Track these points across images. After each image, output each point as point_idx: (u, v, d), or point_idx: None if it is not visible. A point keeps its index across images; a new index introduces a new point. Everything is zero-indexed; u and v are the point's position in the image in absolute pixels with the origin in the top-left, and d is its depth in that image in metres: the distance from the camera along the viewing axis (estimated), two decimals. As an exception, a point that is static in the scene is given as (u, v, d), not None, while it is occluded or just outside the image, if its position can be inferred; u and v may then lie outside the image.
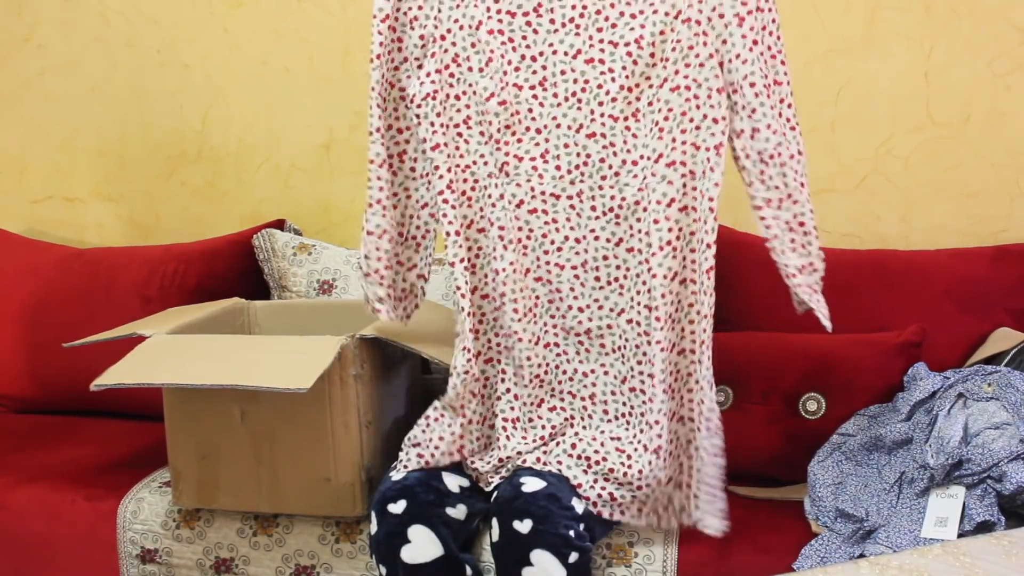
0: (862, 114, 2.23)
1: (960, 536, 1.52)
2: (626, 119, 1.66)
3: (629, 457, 1.69)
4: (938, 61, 2.18)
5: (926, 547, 1.37)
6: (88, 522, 1.95)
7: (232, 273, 2.40)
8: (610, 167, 1.68)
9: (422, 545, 1.64)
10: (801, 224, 1.66)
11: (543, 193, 1.71)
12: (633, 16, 1.63)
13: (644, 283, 1.67)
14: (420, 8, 1.69)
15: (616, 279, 1.71)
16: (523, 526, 1.60)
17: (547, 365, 1.76)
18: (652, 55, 1.63)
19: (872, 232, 2.27)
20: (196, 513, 1.91)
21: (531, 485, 1.64)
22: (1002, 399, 1.66)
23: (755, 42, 1.60)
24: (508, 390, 1.75)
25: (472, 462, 1.75)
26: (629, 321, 1.70)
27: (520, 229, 1.72)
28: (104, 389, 1.64)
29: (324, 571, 1.84)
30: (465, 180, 1.73)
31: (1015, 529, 1.45)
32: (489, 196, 1.72)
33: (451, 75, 1.70)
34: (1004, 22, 2.14)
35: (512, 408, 1.75)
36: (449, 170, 1.70)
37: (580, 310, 1.73)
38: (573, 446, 1.72)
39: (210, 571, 1.89)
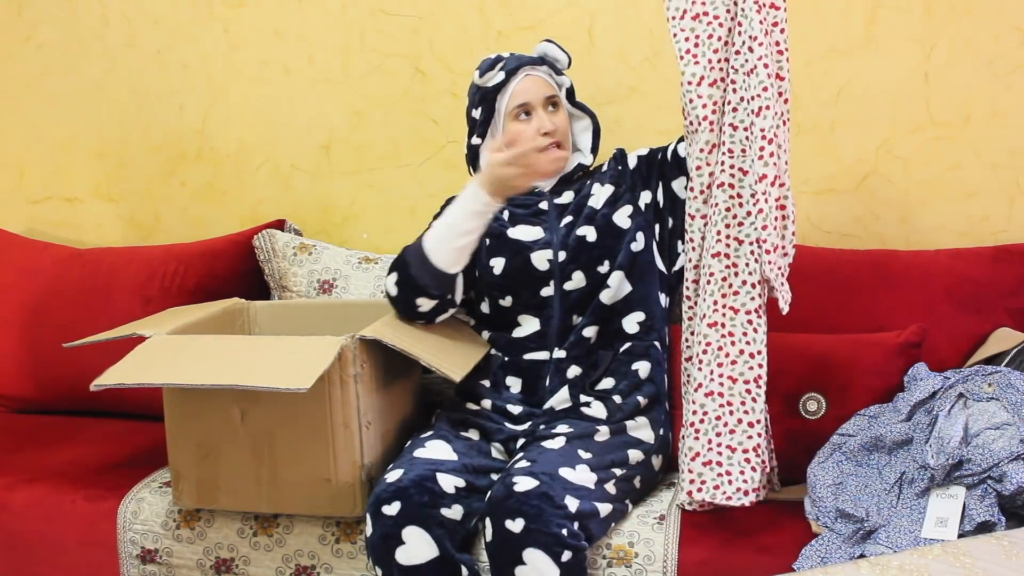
0: (862, 114, 2.23)
1: (960, 536, 1.52)
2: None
3: None
4: (938, 61, 2.18)
5: (926, 547, 1.37)
6: (88, 522, 1.95)
7: (232, 273, 2.40)
8: None
9: (416, 546, 1.65)
10: (782, 208, 1.74)
11: None
12: None
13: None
14: None
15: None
16: (515, 525, 1.60)
17: None
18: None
19: (872, 232, 2.26)
20: (196, 513, 1.91)
21: (523, 484, 1.64)
22: (1002, 399, 1.66)
23: (767, 32, 1.71)
24: None
25: None
26: None
27: None
28: (104, 389, 1.64)
29: (324, 571, 1.84)
30: None
31: (1015, 529, 1.45)
32: None
33: None
34: (1004, 22, 2.13)
35: None
36: None
37: None
38: None
39: (210, 571, 1.89)
